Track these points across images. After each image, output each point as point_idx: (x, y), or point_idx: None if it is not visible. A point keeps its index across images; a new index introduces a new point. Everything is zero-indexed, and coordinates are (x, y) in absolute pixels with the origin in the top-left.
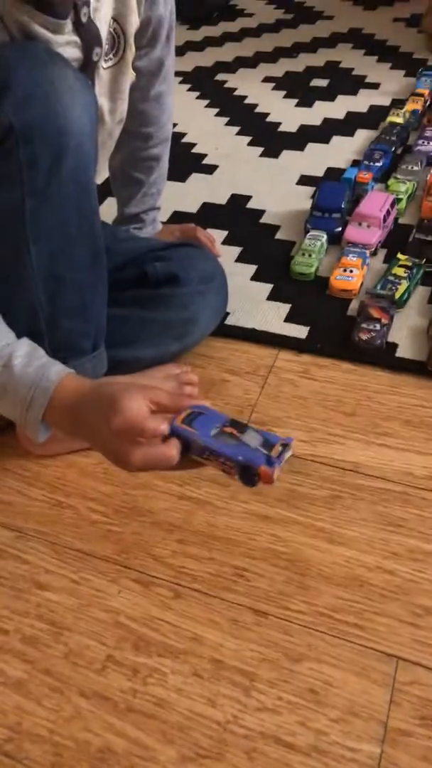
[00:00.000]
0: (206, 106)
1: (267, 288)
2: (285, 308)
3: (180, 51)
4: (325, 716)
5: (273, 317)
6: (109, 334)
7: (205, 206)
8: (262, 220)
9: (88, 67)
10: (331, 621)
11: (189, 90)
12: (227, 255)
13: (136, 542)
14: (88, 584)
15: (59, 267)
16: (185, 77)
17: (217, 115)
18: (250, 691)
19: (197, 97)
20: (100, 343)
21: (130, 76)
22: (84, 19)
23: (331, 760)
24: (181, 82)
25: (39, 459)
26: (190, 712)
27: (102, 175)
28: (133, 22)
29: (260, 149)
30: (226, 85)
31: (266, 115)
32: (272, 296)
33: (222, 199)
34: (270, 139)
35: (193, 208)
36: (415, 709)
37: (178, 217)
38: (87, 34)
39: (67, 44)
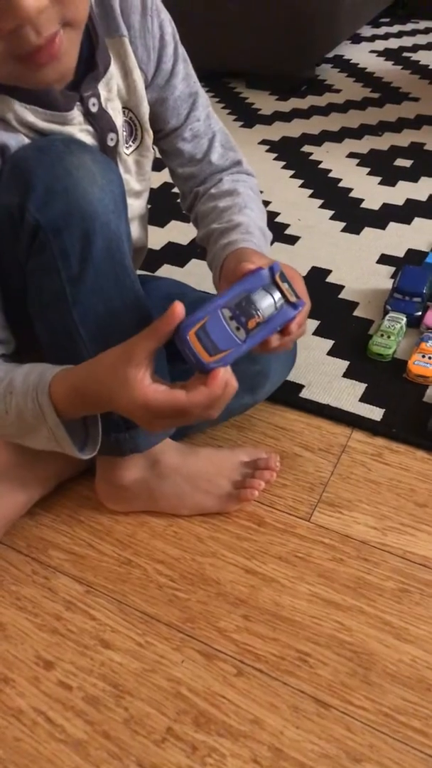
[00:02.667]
0: (291, 177)
1: (343, 365)
2: (360, 387)
3: (269, 120)
4: None
5: (348, 395)
6: None
7: None
8: (341, 296)
9: (106, 153)
10: (395, 723)
11: (275, 159)
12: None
13: (202, 612)
14: (152, 649)
15: (111, 338)
16: (272, 146)
17: (301, 186)
18: None
19: (282, 167)
20: None
21: (150, 158)
22: (94, 109)
23: None
24: (267, 151)
25: (112, 514)
26: None
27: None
28: (145, 111)
29: (342, 224)
30: (311, 158)
31: (349, 190)
32: (348, 374)
33: (302, 270)
34: (352, 215)
35: None
36: None
37: None
38: (99, 122)
39: (80, 132)
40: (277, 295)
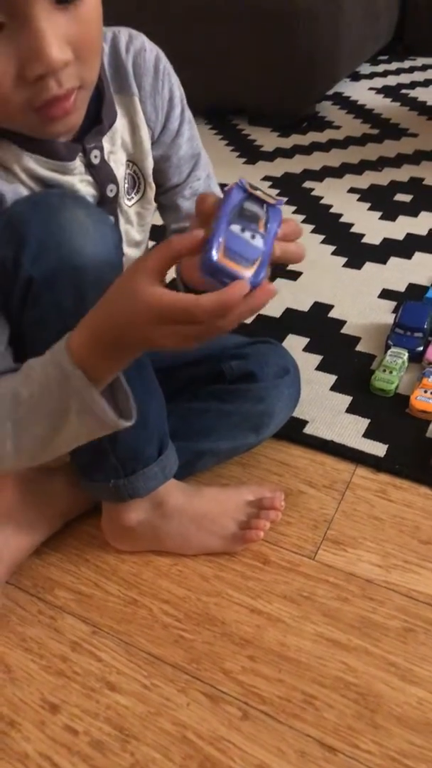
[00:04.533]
0: (293, 212)
1: (346, 400)
2: (364, 423)
3: (270, 156)
4: None
5: (351, 431)
6: (188, 426)
7: (288, 311)
8: (343, 331)
9: (105, 203)
10: (402, 767)
11: (278, 195)
12: (308, 362)
13: (207, 653)
14: (158, 691)
15: None
16: (275, 182)
17: (303, 221)
18: None
19: (285, 203)
20: (166, 445)
21: (152, 210)
22: (95, 161)
23: None
24: (270, 187)
25: (118, 553)
26: None
27: None
28: (149, 165)
29: (344, 259)
30: (313, 193)
31: (350, 225)
32: (351, 409)
33: (305, 306)
34: (353, 250)
35: (276, 312)
36: None
37: (261, 322)
38: (99, 174)
39: (80, 182)
40: (260, 200)
